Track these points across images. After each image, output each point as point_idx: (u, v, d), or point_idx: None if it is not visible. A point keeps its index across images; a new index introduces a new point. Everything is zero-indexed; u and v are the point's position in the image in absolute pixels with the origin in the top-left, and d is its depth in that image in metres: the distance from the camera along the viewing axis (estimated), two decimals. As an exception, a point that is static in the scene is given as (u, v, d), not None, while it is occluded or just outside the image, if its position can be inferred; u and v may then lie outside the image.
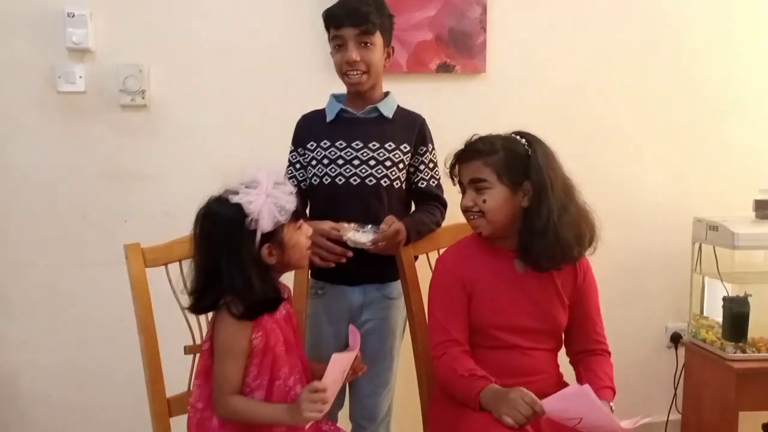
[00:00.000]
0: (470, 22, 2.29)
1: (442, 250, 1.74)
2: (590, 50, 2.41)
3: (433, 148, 1.84)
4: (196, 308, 1.42)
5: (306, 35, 2.12)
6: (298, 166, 1.80)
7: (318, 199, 1.77)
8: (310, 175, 1.78)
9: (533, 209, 1.52)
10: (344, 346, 1.81)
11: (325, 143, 1.75)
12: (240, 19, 2.21)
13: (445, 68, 2.30)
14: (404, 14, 2.23)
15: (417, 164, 1.81)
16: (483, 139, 1.56)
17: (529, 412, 1.37)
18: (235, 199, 1.33)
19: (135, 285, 1.58)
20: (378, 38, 1.72)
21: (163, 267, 1.61)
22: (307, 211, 1.76)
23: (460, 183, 1.60)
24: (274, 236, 1.35)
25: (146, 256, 1.60)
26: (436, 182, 1.83)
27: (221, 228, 1.35)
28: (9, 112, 2.14)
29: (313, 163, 1.76)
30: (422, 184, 1.81)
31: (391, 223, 1.66)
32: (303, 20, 2.14)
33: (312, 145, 1.77)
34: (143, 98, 2.16)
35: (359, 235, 1.65)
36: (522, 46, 2.36)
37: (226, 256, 1.34)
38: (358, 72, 1.71)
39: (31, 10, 2.10)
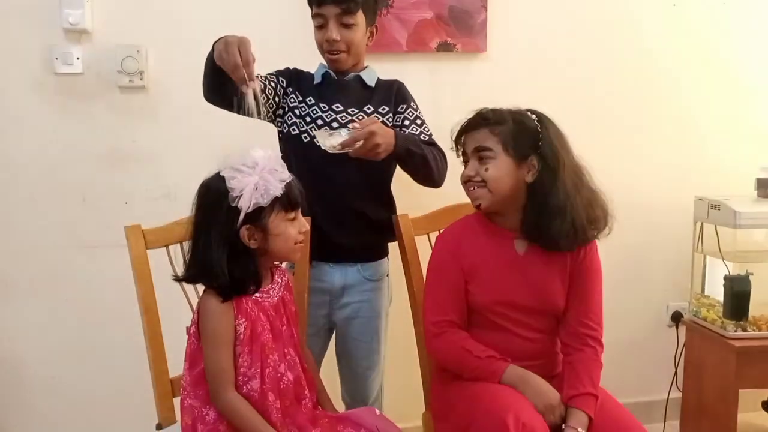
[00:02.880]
0: (471, 1, 2.27)
1: (442, 230, 1.73)
2: (591, 30, 2.39)
3: (417, 107, 1.81)
4: (183, 277, 1.41)
5: (305, 14, 2.09)
6: (274, 84, 1.75)
7: (296, 153, 1.74)
8: (289, 122, 1.76)
9: (544, 187, 1.50)
10: (325, 329, 1.82)
11: (309, 100, 1.75)
12: (238, -2, 2.19)
13: (445, 47, 2.28)
14: (404, -8, 2.21)
15: (400, 122, 1.78)
16: (492, 110, 1.56)
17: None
18: (223, 172, 1.33)
19: (136, 266, 1.58)
20: (360, 18, 1.71)
21: (164, 248, 1.61)
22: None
23: (464, 154, 1.59)
24: (257, 219, 1.34)
25: (147, 238, 1.61)
26: (427, 137, 1.78)
27: (207, 199, 1.36)
28: (7, 94, 2.12)
29: (296, 113, 1.75)
30: None
31: (367, 124, 1.56)
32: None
33: (298, 96, 1.77)
34: (141, 79, 2.14)
35: (331, 138, 1.56)
36: (523, 25, 2.34)
37: (204, 227, 1.35)
38: (338, 51, 1.72)
39: (26, -10, 2.09)
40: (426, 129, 1.80)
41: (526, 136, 1.52)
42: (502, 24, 2.31)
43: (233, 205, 1.31)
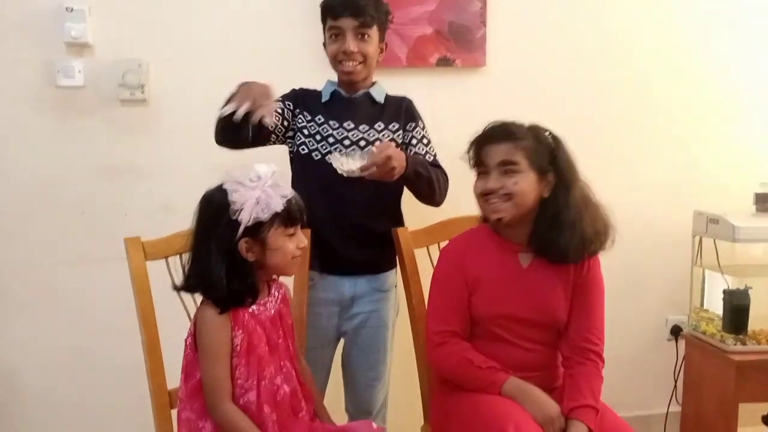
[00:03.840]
0: (470, 16, 2.29)
1: (442, 244, 1.74)
2: (589, 45, 2.41)
3: (424, 126, 1.84)
4: (182, 286, 1.42)
5: (305, 30, 2.12)
6: (279, 110, 1.75)
7: (307, 171, 1.75)
8: (298, 143, 1.78)
9: (558, 201, 1.52)
10: (334, 340, 1.83)
11: (319, 118, 1.77)
12: (239, 13, 2.20)
13: (445, 62, 2.30)
14: (404, 8, 2.23)
15: (408, 140, 1.80)
16: (512, 124, 1.56)
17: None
18: (226, 184, 1.35)
19: (136, 278, 1.58)
20: (375, 32, 1.74)
21: (164, 260, 1.61)
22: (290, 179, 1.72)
23: (481, 165, 1.56)
24: (256, 232, 1.35)
25: (146, 250, 1.61)
26: (432, 158, 1.82)
27: (208, 210, 1.37)
28: (8, 107, 2.13)
29: (305, 132, 1.77)
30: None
31: (384, 148, 1.59)
32: (302, 15, 2.14)
33: (306, 115, 1.78)
34: (142, 93, 2.15)
35: (348, 162, 1.60)
36: (522, 39, 2.36)
37: (204, 238, 1.36)
38: (354, 62, 1.73)
39: (29, 4, 2.10)
40: (432, 149, 1.83)
41: (545, 151, 1.54)
42: (501, 39, 2.33)
43: (234, 218, 1.32)
